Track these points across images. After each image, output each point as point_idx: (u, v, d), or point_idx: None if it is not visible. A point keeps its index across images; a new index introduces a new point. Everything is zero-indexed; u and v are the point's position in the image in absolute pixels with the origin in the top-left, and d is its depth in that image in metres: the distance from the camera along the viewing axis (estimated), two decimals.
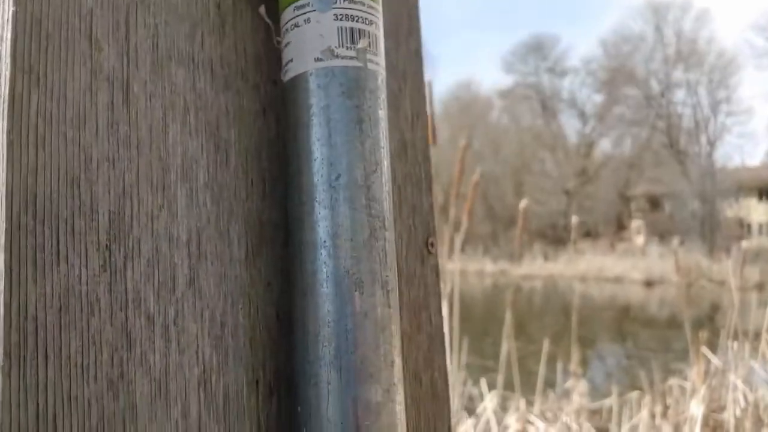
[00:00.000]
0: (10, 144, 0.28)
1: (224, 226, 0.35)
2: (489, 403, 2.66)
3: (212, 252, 0.34)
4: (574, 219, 3.39)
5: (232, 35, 0.38)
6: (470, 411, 2.76)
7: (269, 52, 0.39)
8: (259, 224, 0.37)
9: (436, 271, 0.50)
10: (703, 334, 2.63)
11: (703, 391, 2.40)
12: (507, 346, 2.80)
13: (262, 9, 0.40)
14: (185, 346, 0.32)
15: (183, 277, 0.33)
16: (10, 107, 0.28)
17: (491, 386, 2.80)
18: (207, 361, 0.33)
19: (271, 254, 0.37)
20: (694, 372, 2.63)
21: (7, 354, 0.26)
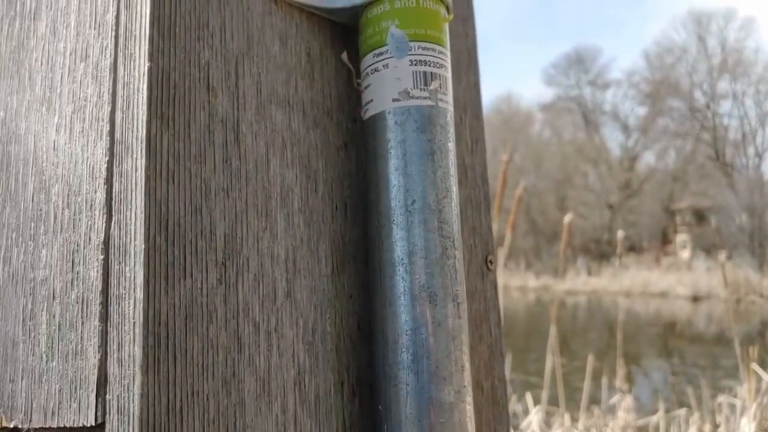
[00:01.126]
0: (147, 178, 0.33)
1: (314, 246, 0.40)
2: (534, 418, 2.66)
3: (305, 268, 0.39)
4: (620, 234, 3.37)
5: (320, 79, 0.43)
6: (515, 427, 2.77)
7: (350, 93, 0.44)
8: (342, 244, 0.42)
9: (495, 287, 0.55)
10: (754, 351, 2.60)
11: (753, 408, 2.37)
12: (551, 361, 2.80)
13: (344, 55, 0.45)
14: (283, 350, 0.37)
15: (282, 289, 0.38)
16: (147, 147, 0.33)
17: (536, 402, 2.81)
18: (301, 363, 0.38)
19: (353, 270, 0.42)
20: (745, 389, 2.60)
21: (145, 354, 0.32)
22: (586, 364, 3.02)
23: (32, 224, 0.40)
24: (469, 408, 0.39)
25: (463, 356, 0.40)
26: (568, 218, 3.16)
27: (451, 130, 0.42)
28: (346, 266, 0.42)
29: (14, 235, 0.41)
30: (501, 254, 2.66)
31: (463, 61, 0.56)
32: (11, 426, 0.38)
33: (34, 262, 0.39)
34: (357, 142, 0.44)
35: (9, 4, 0.47)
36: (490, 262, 0.54)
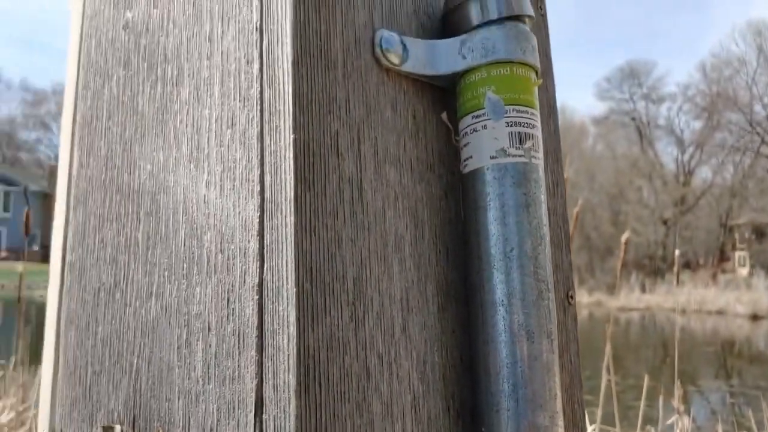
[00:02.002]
0: (296, 232, 0.40)
1: (423, 286, 0.46)
2: None
3: (416, 306, 0.45)
4: (677, 252, 3.34)
5: (424, 138, 0.49)
6: None
7: (449, 149, 0.50)
8: (446, 284, 0.48)
9: (575, 319, 0.60)
10: None
11: None
12: (605, 379, 2.80)
13: (444, 115, 0.51)
14: (402, 378, 0.43)
15: (398, 326, 0.44)
16: (294, 206, 0.40)
17: (591, 420, 2.80)
18: (416, 390, 0.44)
19: (455, 309, 0.48)
20: None
21: (298, 381, 0.38)
22: (641, 382, 3.00)
23: (184, 265, 0.47)
24: (561, 429, 0.44)
25: (555, 386, 0.45)
26: (625, 236, 3.15)
27: (543, 183, 0.48)
28: (449, 305, 0.47)
29: (166, 273, 0.48)
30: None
31: (544, 110, 0.61)
32: None
33: (188, 298, 0.46)
34: (456, 193, 0.50)
35: (150, 69, 0.54)
36: (571, 297, 0.60)
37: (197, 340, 0.44)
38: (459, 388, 0.46)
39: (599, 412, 2.82)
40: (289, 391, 0.38)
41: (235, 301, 0.42)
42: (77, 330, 0.56)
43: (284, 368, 0.38)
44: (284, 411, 0.38)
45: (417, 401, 0.44)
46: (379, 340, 0.42)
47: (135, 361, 0.49)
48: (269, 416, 0.38)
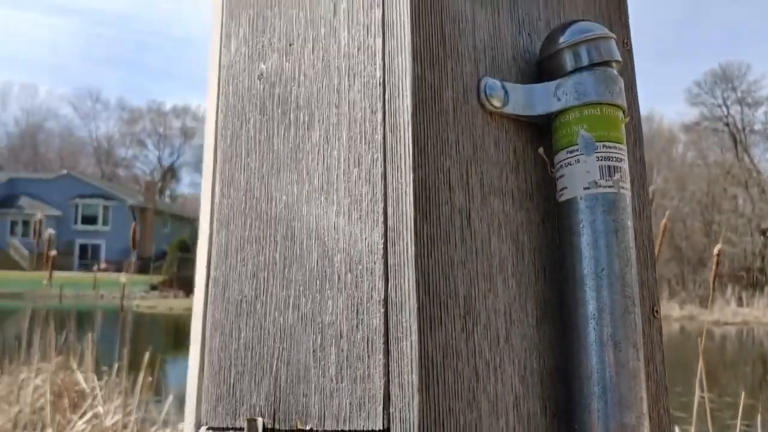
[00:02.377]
0: (416, 257, 0.47)
1: (523, 302, 0.53)
2: None
3: (517, 319, 0.52)
4: None
5: (523, 171, 0.56)
6: None
7: (545, 179, 0.57)
8: (543, 301, 0.54)
9: (660, 332, 0.65)
10: None
11: None
12: (698, 395, 2.75)
13: (541, 150, 0.57)
14: (505, 381, 0.50)
15: (502, 336, 0.51)
16: (414, 235, 0.48)
17: None
18: (517, 391, 0.50)
19: (550, 321, 0.54)
20: None
21: (420, 381, 0.45)
22: (738, 400, 2.93)
23: (318, 281, 0.55)
24: (646, 429, 0.50)
25: (641, 390, 0.51)
26: (718, 247, 3.08)
27: (629, 210, 0.54)
28: (546, 318, 0.54)
29: (302, 288, 0.57)
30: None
31: (630, 138, 0.67)
32: (306, 428, 0.53)
33: (322, 309, 0.54)
34: (552, 219, 0.57)
35: (283, 114, 0.63)
36: (656, 311, 0.65)
37: (330, 345, 0.52)
38: (554, 391, 0.53)
39: (692, 430, 2.77)
40: (412, 389, 0.45)
41: (364, 313, 0.50)
42: (221, 336, 0.65)
43: (408, 370, 0.46)
44: (408, 405, 0.45)
45: (518, 401, 0.50)
46: (486, 348, 0.49)
47: (275, 363, 0.58)
48: (395, 409, 0.46)
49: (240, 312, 0.64)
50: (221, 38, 0.73)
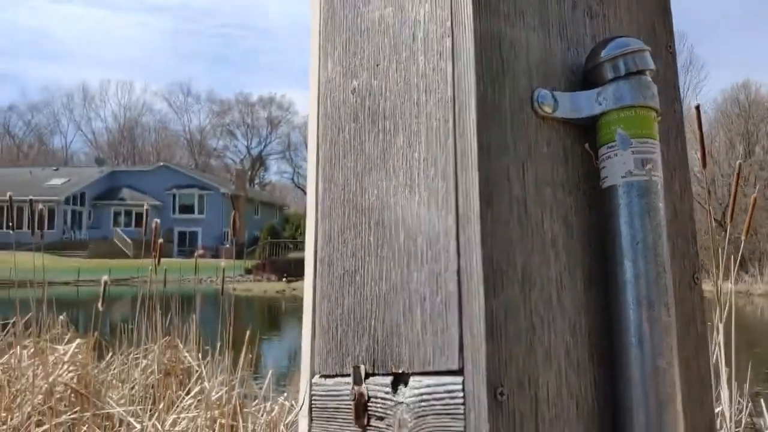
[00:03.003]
0: (482, 237, 0.60)
1: (572, 272, 0.65)
2: None
3: (567, 285, 0.64)
4: None
5: (572, 164, 0.68)
6: None
7: (590, 170, 0.69)
8: (589, 270, 0.66)
9: (701, 296, 0.75)
10: None
11: None
12: None
13: (586, 146, 0.69)
14: (557, 334, 0.62)
15: (554, 298, 0.63)
16: (480, 220, 0.61)
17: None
18: (568, 342, 0.63)
19: (595, 287, 0.66)
20: None
21: (487, 332, 0.59)
22: None
23: (405, 258, 0.69)
24: (675, 372, 0.61)
25: (671, 341, 0.62)
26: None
27: (661, 194, 0.65)
28: (591, 285, 0.66)
29: (391, 263, 0.71)
30: (733, 261, 2.66)
31: (672, 131, 0.77)
32: (400, 371, 0.68)
33: (408, 279, 0.68)
34: (597, 203, 0.68)
35: (373, 123, 0.77)
36: (696, 278, 0.75)
37: (416, 307, 0.66)
38: (599, 342, 0.65)
39: None
40: (481, 338, 0.59)
41: (442, 281, 0.64)
42: (328, 303, 0.81)
43: (477, 323, 0.59)
44: (478, 351, 0.59)
45: (569, 350, 0.63)
46: (541, 307, 0.62)
47: (372, 323, 0.73)
48: (468, 354, 0.60)
49: (343, 284, 0.79)
50: (319, 58, 0.88)
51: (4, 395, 4.37)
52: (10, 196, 4.68)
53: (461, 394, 0.60)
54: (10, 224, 4.72)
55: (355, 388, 0.73)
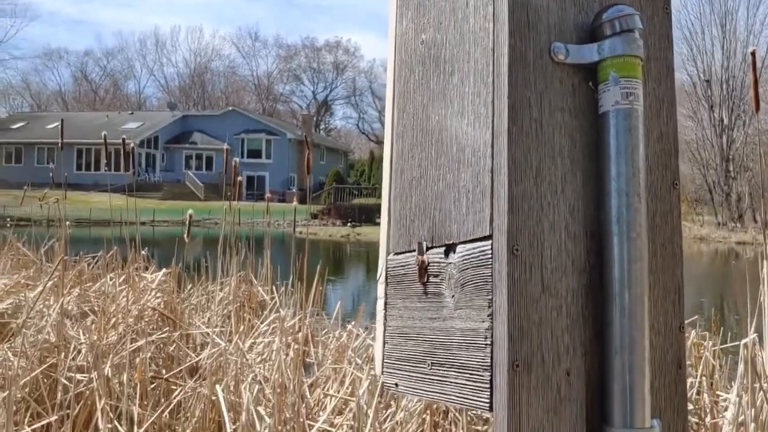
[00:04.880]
0: (508, 146, 0.88)
1: (575, 171, 0.92)
2: None
3: (569, 180, 0.91)
4: None
5: (579, 96, 0.94)
6: None
7: (592, 100, 0.95)
8: (587, 170, 0.93)
9: (678, 197, 1.01)
10: None
11: None
12: None
13: (590, 83, 0.95)
14: (560, 213, 0.90)
15: (559, 189, 0.90)
16: (507, 134, 0.88)
17: None
18: (567, 220, 0.90)
19: (591, 183, 0.93)
20: None
21: (508, 207, 0.87)
22: None
23: (456, 164, 0.97)
24: (644, 242, 0.88)
25: (641, 219, 0.89)
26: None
27: (641, 118, 0.91)
28: (588, 181, 0.93)
29: (446, 168, 0.99)
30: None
31: (663, 72, 1.02)
32: (450, 242, 0.97)
33: (458, 178, 0.96)
34: (596, 124, 0.94)
35: (436, 66, 1.05)
36: (675, 184, 1.01)
37: (463, 197, 0.95)
38: (592, 220, 0.92)
39: None
40: (504, 214, 0.87)
41: (480, 178, 0.92)
42: (400, 201, 1.10)
43: (502, 204, 0.87)
44: (502, 222, 0.87)
45: (568, 224, 0.90)
46: (549, 194, 0.90)
47: (432, 212, 1.02)
48: (495, 225, 0.88)
49: (411, 187, 1.08)
50: (396, 16, 1.16)
51: (101, 317, 4.91)
52: (104, 136, 5.14)
53: (490, 252, 0.88)
54: (106, 163, 5.18)
55: (419, 257, 1.03)
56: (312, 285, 5.22)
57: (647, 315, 0.87)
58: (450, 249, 0.97)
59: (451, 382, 0.94)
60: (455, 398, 0.92)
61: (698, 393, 4.23)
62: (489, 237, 0.89)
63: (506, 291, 0.84)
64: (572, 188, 0.92)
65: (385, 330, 1.13)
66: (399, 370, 1.08)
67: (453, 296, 0.95)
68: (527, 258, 0.87)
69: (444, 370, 0.96)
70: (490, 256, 0.88)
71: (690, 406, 4.13)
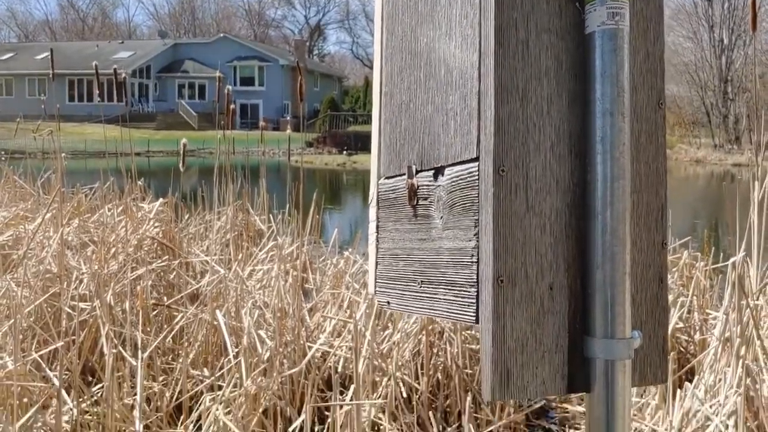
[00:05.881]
0: (495, 67, 0.89)
1: (560, 92, 0.93)
2: None
3: (555, 101, 0.92)
4: None
5: (565, 17, 0.94)
6: None
7: (579, 21, 0.95)
8: (573, 91, 0.94)
9: (663, 117, 1.02)
10: None
11: None
12: None
13: (577, 4, 0.95)
14: (545, 133, 0.91)
15: (545, 110, 0.92)
16: (495, 55, 0.89)
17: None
18: (553, 140, 0.92)
19: (577, 104, 0.94)
20: None
21: (496, 130, 0.88)
22: None
23: (444, 86, 0.98)
24: (627, 160, 0.90)
25: (624, 138, 0.91)
26: None
27: (627, 39, 0.91)
28: (573, 102, 0.94)
29: (435, 91, 1.00)
30: None
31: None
32: (439, 165, 0.99)
33: (446, 100, 0.98)
34: (582, 44, 0.95)
35: None
36: (661, 104, 1.02)
37: (451, 120, 0.97)
38: (576, 141, 0.94)
39: None
40: (490, 135, 0.88)
41: (468, 100, 0.93)
42: (390, 126, 1.12)
43: (489, 126, 0.89)
44: (489, 143, 0.89)
45: (553, 145, 0.92)
46: (535, 116, 0.91)
47: (421, 136, 1.04)
48: (482, 146, 0.90)
49: (400, 111, 1.09)
50: None
51: (101, 248, 4.96)
52: (95, 65, 5.07)
53: (477, 173, 0.91)
54: (98, 94, 5.13)
55: (408, 181, 1.05)
56: (308, 214, 5.27)
57: (629, 231, 0.90)
58: (439, 172, 1.00)
59: (440, 299, 0.98)
60: (444, 313, 0.96)
61: (689, 312, 4.35)
62: (476, 159, 0.91)
63: (492, 210, 0.87)
64: (558, 109, 0.93)
65: (377, 252, 1.16)
66: (391, 289, 1.12)
67: (441, 217, 0.98)
68: (513, 178, 0.89)
69: (433, 288, 1.00)
70: (477, 177, 0.90)
71: (680, 325, 4.25)
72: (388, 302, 1.12)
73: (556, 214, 0.91)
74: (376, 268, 1.16)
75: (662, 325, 0.96)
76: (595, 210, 0.90)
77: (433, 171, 1.01)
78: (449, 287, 0.96)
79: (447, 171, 0.98)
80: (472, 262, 0.90)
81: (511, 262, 0.87)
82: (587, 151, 0.92)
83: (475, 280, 0.90)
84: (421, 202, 1.03)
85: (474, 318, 0.89)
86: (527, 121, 0.91)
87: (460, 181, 0.94)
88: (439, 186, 0.99)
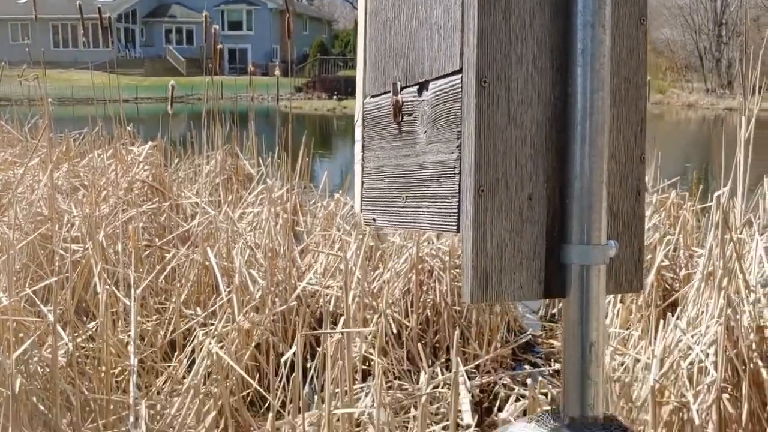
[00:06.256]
0: (478, 14, 0.89)
1: (543, 5, 0.94)
2: None
3: (538, 14, 0.93)
4: None
5: None
6: None
7: None
8: (555, 5, 0.94)
9: (645, 34, 1.03)
10: None
11: None
12: None
13: None
14: (527, 47, 0.92)
15: (527, 23, 0.92)
16: (478, 4, 0.89)
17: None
18: (534, 53, 0.93)
19: (559, 17, 0.95)
20: None
21: (477, 55, 0.89)
22: None
23: (428, 0, 0.99)
24: (606, 72, 0.91)
25: (605, 50, 0.91)
26: None
27: None
28: (555, 16, 0.94)
29: (418, 6, 1.01)
30: None
31: None
32: (423, 80, 1.00)
33: (431, 15, 0.98)
34: None
35: None
36: (642, 20, 1.03)
37: (435, 34, 0.97)
38: (558, 54, 0.94)
39: None
40: (473, 47, 0.89)
41: (452, 12, 0.93)
42: (375, 42, 1.12)
43: (472, 38, 0.89)
44: (471, 55, 0.89)
45: (535, 58, 0.93)
46: (517, 29, 0.91)
47: (405, 52, 1.04)
48: (465, 58, 0.91)
49: (386, 28, 1.09)
50: None
51: (92, 191, 4.96)
52: (79, 6, 4.96)
53: (459, 85, 0.92)
54: (83, 36, 5.04)
55: (393, 98, 1.06)
56: (298, 157, 5.26)
57: (607, 143, 0.92)
58: (423, 87, 1.01)
59: (424, 212, 1.00)
60: (427, 225, 0.99)
61: (675, 249, 4.42)
62: (459, 71, 0.92)
63: (474, 122, 0.88)
64: (540, 23, 0.93)
65: (363, 171, 1.18)
66: (376, 206, 1.14)
67: (425, 132, 1.00)
68: (495, 90, 0.90)
69: (417, 202, 1.02)
70: (459, 89, 0.92)
71: (666, 262, 4.31)
72: (374, 219, 1.14)
73: (537, 127, 0.93)
74: (362, 186, 1.18)
75: (638, 235, 0.99)
76: (575, 121, 0.91)
77: (417, 86, 1.02)
78: (432, 200, 0.98)
79: (431, 85, 0.99)
80: (454, 173, 0.92)
81: (491, 173, 0.89)
82: (568, 64, 0.94)
83: (457, 191, 0.92)
84: (405, 119, 1.05)
85: (456, 227, 0.92)
86: (510, 34, 0.91)
87: (444, 95, 0.95)
88: (423, 101, 1.00)
